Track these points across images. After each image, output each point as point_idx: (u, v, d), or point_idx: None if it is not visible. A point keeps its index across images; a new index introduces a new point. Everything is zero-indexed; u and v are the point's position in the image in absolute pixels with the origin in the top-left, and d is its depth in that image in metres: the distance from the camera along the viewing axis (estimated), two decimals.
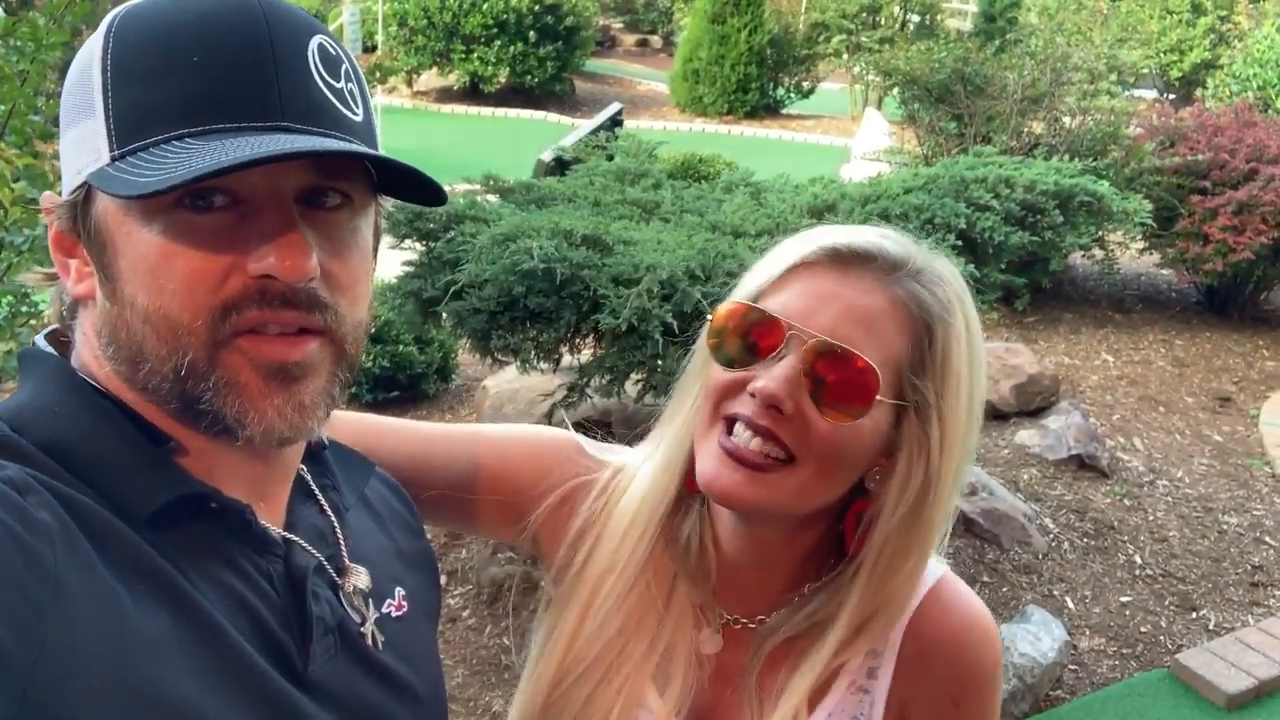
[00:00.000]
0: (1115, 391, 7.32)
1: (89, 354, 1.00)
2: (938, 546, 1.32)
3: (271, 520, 1.05)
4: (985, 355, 1.29)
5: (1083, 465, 5.96)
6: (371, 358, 5.90)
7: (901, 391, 1.21)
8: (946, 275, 1.25)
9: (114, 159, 0.90)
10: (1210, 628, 4.75)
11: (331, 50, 0.97)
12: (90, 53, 0.95)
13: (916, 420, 1.22)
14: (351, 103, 0.98)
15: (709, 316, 1.26)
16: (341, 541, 1.13)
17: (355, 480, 1.22)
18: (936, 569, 1.32)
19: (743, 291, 1.26)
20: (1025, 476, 5.85)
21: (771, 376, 1.17)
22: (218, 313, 0.91)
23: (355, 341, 1.01)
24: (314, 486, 1.15)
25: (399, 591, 1.18)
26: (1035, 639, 4.22)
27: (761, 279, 1.25)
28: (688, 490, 1.33)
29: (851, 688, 1.27)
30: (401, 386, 6.11)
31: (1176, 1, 18.49)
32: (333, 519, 1.14)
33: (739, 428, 1.20)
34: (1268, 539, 5.52)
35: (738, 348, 1.22)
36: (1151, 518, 5.63)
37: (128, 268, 0.92)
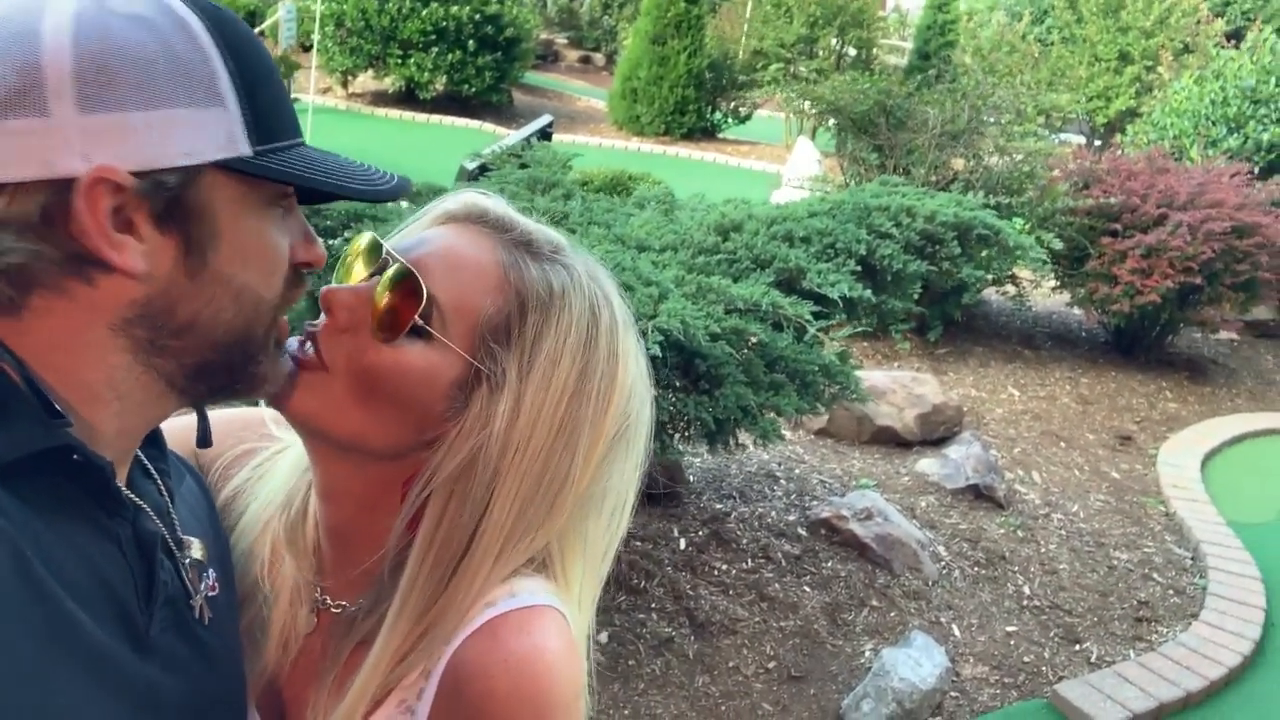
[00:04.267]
0: (1019, 425, 7.44)
1: (114, 323, 0.99)
2: (564, 587, 1.22)
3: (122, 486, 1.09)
4: (631, 386, 1.22)
5: (979, 495, 6.04)
6: None
7: (475, 349, 1.16)
8: (575, 267, 1.22)
9: (259, 153, 0.99)
10: (1092, 660, 4.82)
11: None
12: (192, 34, 0.97)
13: (487, 392, 1.17)
14: None
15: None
16: (176, 521, 1.17)
17: (176, 468, 1.26)
18: (529, 598, 1.18)
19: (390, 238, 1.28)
20: (923, 504, 5.91)
21: (343, 286, 1.19)
22: (281, 292, 1.06)
23: None
24: (152, 469, 1.17)
25: (211, 573, 1.20)
26: (916, 664, 4.25)
27: (404, 227, 1.27)
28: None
29: (401, 706, 1.17)
30: None
31: (1105, 49, 18.94)
32: (167, 500, 1.16)
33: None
34: (1156, 575, 5.63)
35: (347, 273, 1.22)
36: (1043, 550, 5.72)
37: (231, 249, 1.00)
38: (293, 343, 1.19)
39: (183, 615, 1.12)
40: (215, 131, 0.98)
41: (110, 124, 0.94)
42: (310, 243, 1.09)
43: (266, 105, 1.01)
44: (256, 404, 1.24)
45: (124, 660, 0.99)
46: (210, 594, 1.17)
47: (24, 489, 0.93)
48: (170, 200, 0.97)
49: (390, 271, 1.16)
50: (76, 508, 0.99)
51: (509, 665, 1.13)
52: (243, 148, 0.99)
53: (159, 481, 1.18)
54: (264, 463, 1.36)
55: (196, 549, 1.16)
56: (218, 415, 1.45)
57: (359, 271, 1.21)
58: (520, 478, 1.17)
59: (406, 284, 1.15)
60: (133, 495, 1.08)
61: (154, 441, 1.19)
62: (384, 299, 1.16)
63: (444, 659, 1.16)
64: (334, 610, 1.26)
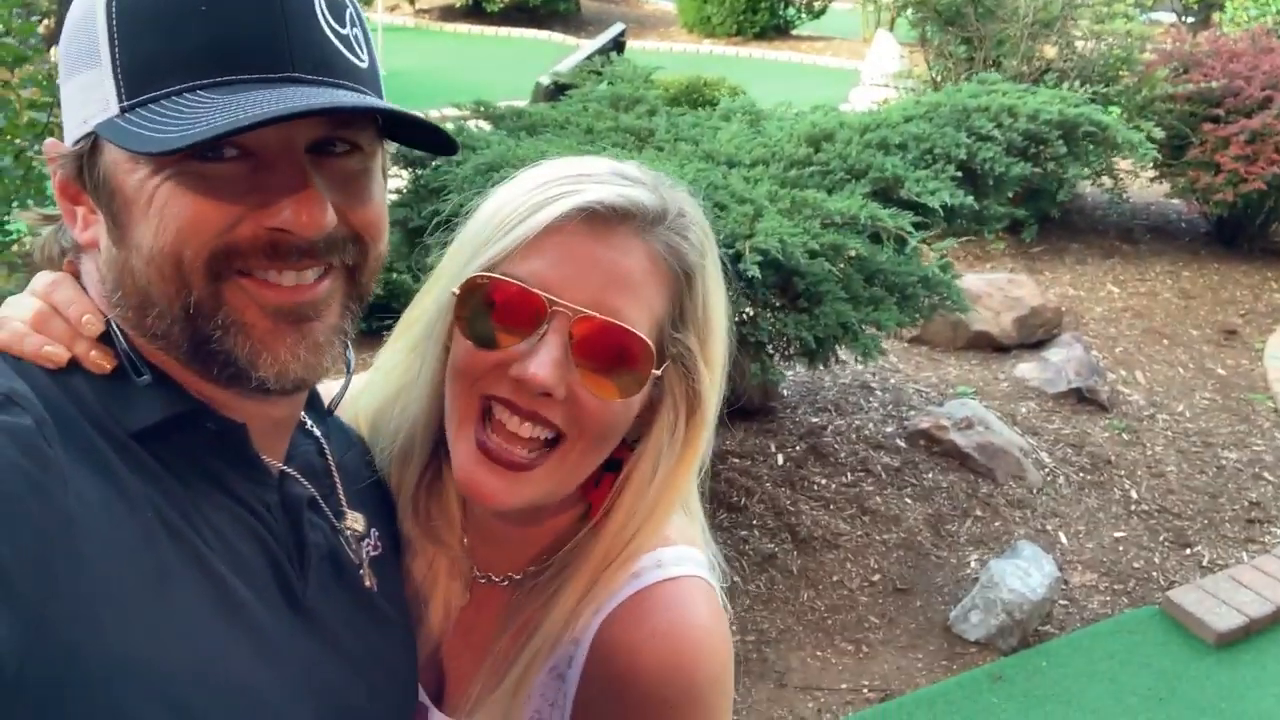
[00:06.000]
0: (1119, 324, 7.24)
1: (96, 297, 1.01)
2: (705, 538, 1.27)
3: (270, 458, 1.07)
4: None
5: (1082, 399, 5.91)
6: None
7: (663, 349, 1.15)
8: (692, 213, 1.19)
9: (123, 110, 0.90)
10: (1204, 564, 4.73)
11: None
12: (92, 1, 0.94)
13: (679, 371, 1.17)
14: (357, 49, 0.98)
15: (455, 290, 1.13)
16: (337, 483, 1.18)
17: (341, 435, 1.27)
18: (675, 568, 1.19)
19: (486, 256, 1.13)
20: (1023, 410, 5.80)
21: (539, 363, 1.08)
22: (220, 251, 0.92)
23: (371, 273, 1.04)
24: (315, 431, 1.20)
25: (374, 533, 1.21)
26: (1025, 574, 4.20)
27: (507, 243, 1.12)
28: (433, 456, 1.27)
29: (553, 672, 1.18)
30: (396, 315, 6.03)
31: None
32: (329, 460, 1.18)
33: (502, 411, 1.12)
34: (1266, 475, 5.47)
35: (494, 326, 1.11)
36: (1150, 452, 5.59)
37: (138, 214, 0.93)
38: (483, 434, 1.13)
39: (350, 582, 1.14)
40: (99, 93, 0.92)
41: (64, 95, 0.96)
42: (276, 206, 0.92)
43: (138, 53, 0.91)
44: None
45: (273, 623, 1.00)
46: (373, 553, 1.19)
47: (165, 455, 0.95)
48: (87, 170, 0.96)
49: (581, 326, 1.09)
50: (221, 477, 1.00)
51: (656, 639, 1.14)
52: (112, 106, 0.91)
53: (321, 443, 1.19)
54: None
55: (359, 523, 1.17)
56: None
57: (506, 312, 1.11)
58: (705, 427, 1.20)
59: (619, 341, 1.10)
60: (276, 462, 1.08)
61: (314, 406, 1.20)
62: (596, 358, 1.10)
63: (593, 628, 1.16)
64: (500, 584, 1.27)
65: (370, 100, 0.95)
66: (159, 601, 0.88)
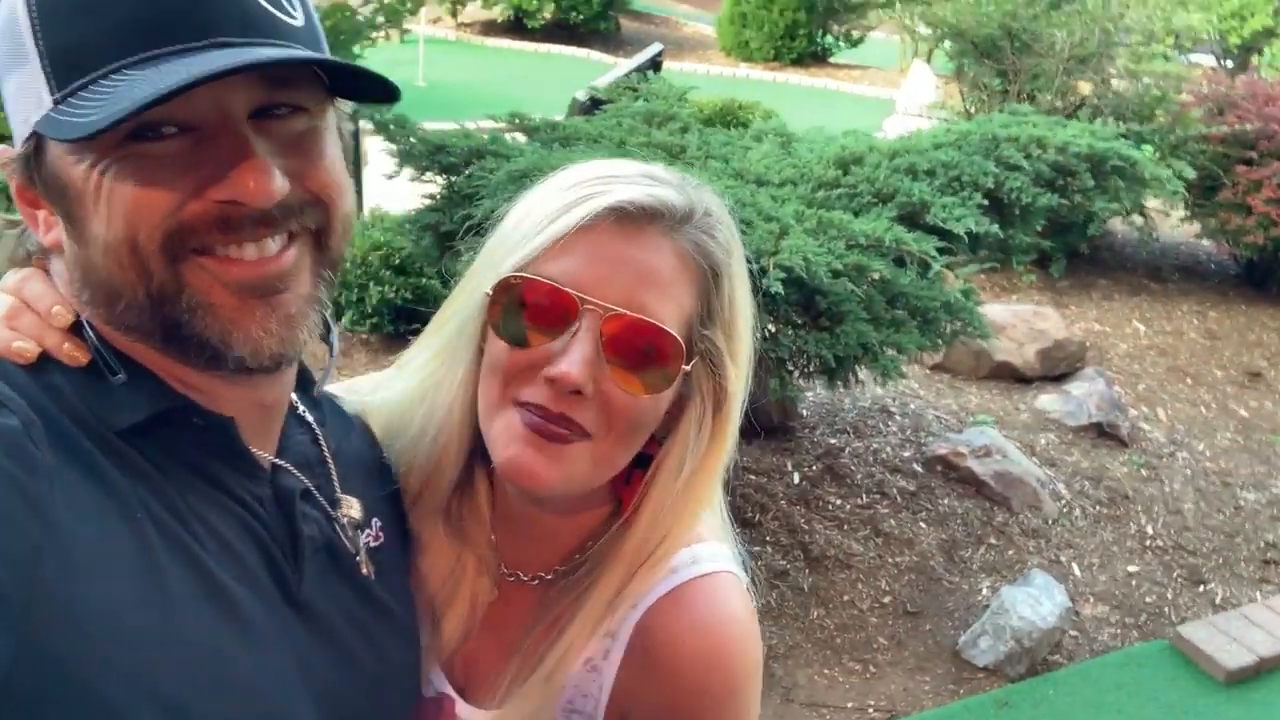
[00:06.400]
0: (1143, 361, 7.23)
1: (68, 297, 0.99)
2: (727, 530, 1.29)
3: (261, 450, 1.06)
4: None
5: (1102, 433, 5.91)
6: (395, 289, 5.92)
7: (692, 346, 1.17)
8: (719, 212, 1.21)
9: (56, 103, 0.88)
10: (1217, 603, 4.72)
11: None
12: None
13: (706, 367, 1.19)
14: (289, 6, 0.94)
15: (488, 291, 1.14)
16: (332, 471, 1.16)
17: (340, 422, 1.25)
18: (710, 564, 1.22)
19: (518, 256, 1.14)
20: (1042, 441, 5.81)
21: (571, 361, 1.09)
22: (174, 232, 0.90)
23: (339, 236, 1.00)
24: (309, 418, 1.18)
25: (375, 522, 1.20)
26: (1036, 603, 4.21)
27: (539, 243, 1.13)
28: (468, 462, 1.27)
29: (587, 665, 1.21)
30: (423, 319, 6.10)
31: None
32: (323, 449, 1.16)
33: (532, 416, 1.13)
34: None
35: (525, 325, 1.12)
36: (1168, 489, 5.58)
37: (89, 207, 0.90)
38: (523, 415, 1.13)
39: (346, 572, 1.13)
40: (33, 90, 0.90)
41: (5, 99, 0.94)
42: (222, 179, 0.89)
43: (61, 42, 0.88)
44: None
45: (267, 618, 0.99)
46: (373, 544, 1.18)
47: (152, 452, 0.94)
48: (36, 172, 0.94)
49: (611, 324, 1.10)
50: (209, 471, 1.00)
51: (697, 633, 1.18)
52: (45, 101, 0.89)
53: (317, 430, 1.17)
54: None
55: (355, 510, 1.16)
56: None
57: (538, 311, 1.12)
58: (732, 423, 1.23)
59: (649, 339, 1.12)
60: (267, 454, 1.07)
61: (305, 391, 1.18)
62: (626, 355, 1.11)
63: (629, 621, 1.20)
64: (529, 582, 1.28)
65: (291, 51, 0.91)
66: (151, 600, 0.87)
